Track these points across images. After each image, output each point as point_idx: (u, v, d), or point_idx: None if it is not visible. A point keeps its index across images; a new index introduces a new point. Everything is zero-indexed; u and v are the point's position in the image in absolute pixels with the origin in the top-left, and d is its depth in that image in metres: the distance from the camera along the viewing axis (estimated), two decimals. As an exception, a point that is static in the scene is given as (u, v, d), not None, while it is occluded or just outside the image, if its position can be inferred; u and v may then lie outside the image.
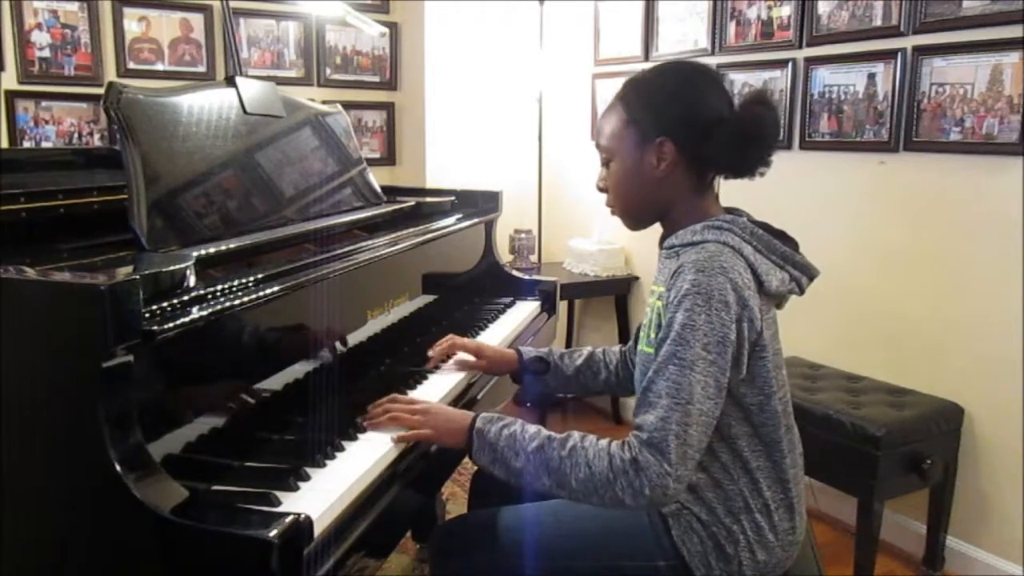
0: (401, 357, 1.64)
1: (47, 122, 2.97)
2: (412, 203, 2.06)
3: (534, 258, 3.56)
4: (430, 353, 1.60)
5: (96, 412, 0.90)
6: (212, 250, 1.27)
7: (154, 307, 0.99)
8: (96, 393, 0.90)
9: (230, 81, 1.60)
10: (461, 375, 1.58)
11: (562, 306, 3.53)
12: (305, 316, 1.33)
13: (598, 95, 3.45)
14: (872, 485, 2.05)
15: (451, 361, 1.63)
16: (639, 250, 3.35)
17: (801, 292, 1.28)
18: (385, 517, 1.14)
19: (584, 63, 3.51)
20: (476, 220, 2.10)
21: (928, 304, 2.31)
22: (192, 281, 1.09)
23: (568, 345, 3.72)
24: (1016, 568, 2.16)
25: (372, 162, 2.54)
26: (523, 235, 3.52)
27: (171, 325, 0.99)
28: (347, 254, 1.46)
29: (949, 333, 2.26)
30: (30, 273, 0.99)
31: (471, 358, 1.62)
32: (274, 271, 1.25)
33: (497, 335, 1.87)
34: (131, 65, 3.09)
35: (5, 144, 2.87)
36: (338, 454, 1.18)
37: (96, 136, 3.05)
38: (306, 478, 1.09)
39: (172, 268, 1.07)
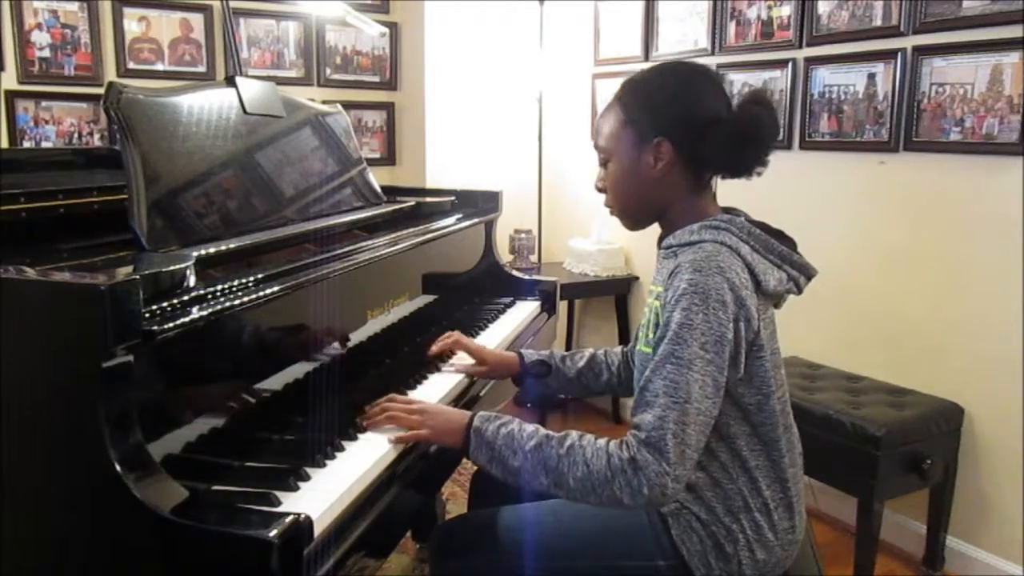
0: (401, 357, 1.64)
1: (47, 122, 2.97)
2: (412, 203, 2.06)
3: (534, 258, 3.56)
4: (433, 349, 1.61)
5: (96, 412, 0.90)
6: (212, 250, 1.27)
7: (154, 307, 0.99)
8: (96, 393, 0.90)
9: (230, 81, 1.60)
10: (462, 374, 1.58)
11: (562, 306, 3.52)
12: (305, 316, 1.33)
13: (598, 95, 3.45)
14: (872, 485, 2.05)
15: (452, 364, 1.63)
16: (639, 250, 3.35)
17: (799, 291, 1.28)
18: (385, 517, 1.14)
19: (584, 63, 3.51)
20: (476, 220, 2.10)
21: (928, 304, 2.31)
22: (192, 281, 1.09)
23: (568, 345, 3.72)
24: (1016, 568, 2.16)
25: (372, 162, 2.54)
26: (523, 235, 3.52)
27: (171, 325, 0.99)
28: (347, 254, 1.46)
29: (949, 333, 2.26)
30: (30, 273, 0.99)
31: (471, 361, 1.62)
32: (274, 271, 1.25)
33: (497, 335, 1.87)
34: (131, 65, 3.09)
35: (5, 144, 2.87)
36: (338, 454, 1.18)
37: (96, 136, 3.05)
38: (306, 478, 1.09)
39: (172, 268, 1.07)
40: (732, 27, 2.81)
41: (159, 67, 3.14)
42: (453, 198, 2.20)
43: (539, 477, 1.17)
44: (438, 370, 1.60)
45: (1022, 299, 2.08)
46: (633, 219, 1.34)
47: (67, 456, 0.93)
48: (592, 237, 3.39)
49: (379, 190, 2.05)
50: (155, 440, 0.98)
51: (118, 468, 0.89)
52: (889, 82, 2.34)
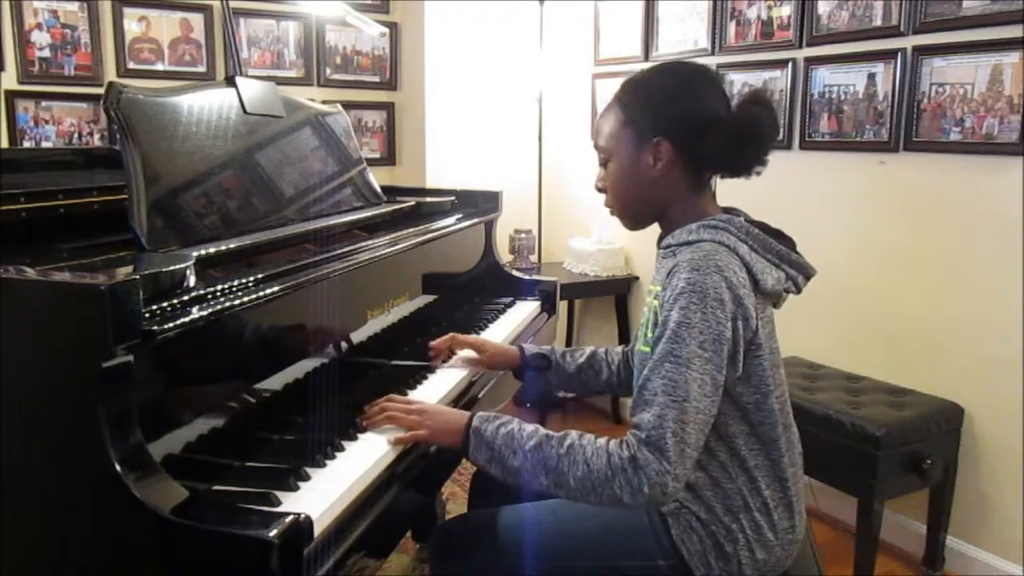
0: (401, 357, 1.64)
1: (47, 122, 2.97)
2: (412, 203, 2.06)
3: (534, 258, 3.56)
4: (432, 344, 1.61)
5: (96, 412, 0.90)
6: (212, 250, 1.27)
7: (154, 307, 0.99)
8: (96, 393, 0.90)
9: (230, 81, 1.60)
10: (462, 374, 1.58)
11: (562, 306, 3.53)
12: (305, 316, 1.33)
13: (598, 95, 3.45)
14: (872, 485, 2.05)
15: (454, 357, 1.64)
16: (639, 250, 3.35)
17: (798, 291, 1.29)
18: (385, 517, 1.14)
19: (584, 63, 3.51)
20: (476, 220, 2.10)
21: (928, 304, 2.31)
22: (192, 281, 1.09)
23: (568, 345, 3.72)
24: (1016, 568, 2.16)
25: (372, 162, 2.54)
26: (523, 235, 3.52)
27: (171, 325, 0.99)
28: (347, 254, 1.46)
29: (949, 333, 2.26)
30: (30, 273, 0.99)
31: (473, 354, 1.62)
32: (274, 271, 1.25)
33: (497, 335, 1.87)
34: (131, 65, 3.09)
35: (5, 144, 2.87)
36: (338, 454, 1.18)
37: (96, 136, 3.05)
38: (306, 478, 1.09)
39: (172, 268, 1.07)
40: (732, 27, 2.81)
41: (159, 67, 3.14)
42: (453, 198, 2.20)
43: (539, 477, 1.17)
44: (442, 366, 1.61)
45: (1022, 299, 2.08)
46: (633, 219, 1.34)
47: (67, 456, 0.93)
48: (593, 237, 3.39)
49: (379, 190, 2.05)
50: (155, 440, 0.98)
51: (118, 468, 0.89)
52: (889, 82, 2.34)
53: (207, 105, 1.50)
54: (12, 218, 1.36)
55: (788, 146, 2.64)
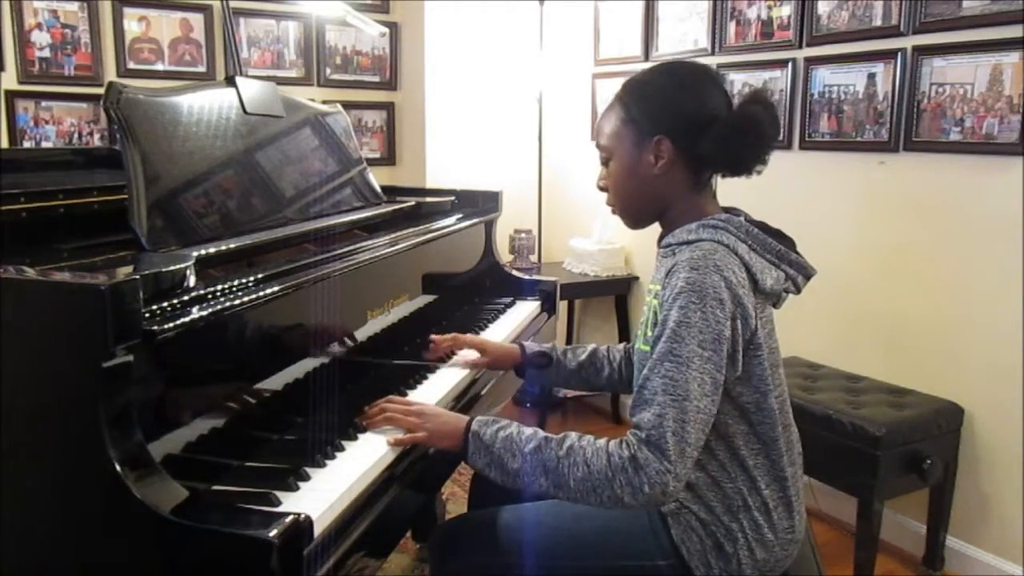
0: (401, 357, 1.64)
1: (47, 122, 2.97)
2: (412, 203, 2.06)
3: (534, 258, 3.56)
4: (433, 337, 1.62)
5: (96, 412, 0.90)
6: (212, 250, 1.27)
7: (154, 307, 0.99)
8: (96, 393, 0.90)
9: (230, 81, 1.60)
10: (462, 373, 1.58)
11: (562, 306, 3.53)
12: (305, 316, 1.33)
13: (598, 95, 3.45)
14: (872, 485, 2.05)
15: (455, 357, 1.64)
16: (639, 250, 3.35)
17: (797, 291, 1.29)
18: (385, 517, 1.14)
19: (584, 63, 3.51)
20: (476, 220, 2.10)
21: (928, 304, 2.31)
22: (192, 281, 1.09)
23: (568, 345, 3.71)
24: (1016, 568, 2.16)
25: (372, 162, 2.54)
26: (523, 235, 3.52)
27: (171, 325, 0.99)
28: (347, 254, 1.46)
29: (949, 333, 2.26)
30: (30, 273, 0.99)
31: (475, 354, 1.63)
32: (274, 271, 1.25)
33: (497, 335, 1.87)
34: (131, 65, 3.09)
35: (5, 144, 2.87)
36: (338, 454, 1.18)
37: (96, 136, 3.05)
38: (306, 478, 1.09)
39: (172, 268, 1.07)
40: (732, 27, 2.81)
41: (159, 67, 3.14)
42: (453, 198, 2.20)
43: (539, 479, 1.16)
44: (443, 365, 1.61)
45: (1022, 299, 2.08)
46: (634, 218, 1.35)
47: (67, 456, 0.93)
48: (593, 237, 3.39)
49: (379, 190, 2.05)
50: (155, 440, 0.98)
51: (118, 468, 0.89)
52: (889, 82, 2.34)
53: (207, 105, 1.50)
54: (12, 218, 1.36)
55: (788, 146, 2.64)
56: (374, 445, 1.22)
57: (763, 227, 1.27)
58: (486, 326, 1.93)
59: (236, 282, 1.16)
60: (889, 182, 2.39)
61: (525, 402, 3.53)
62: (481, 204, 2.21)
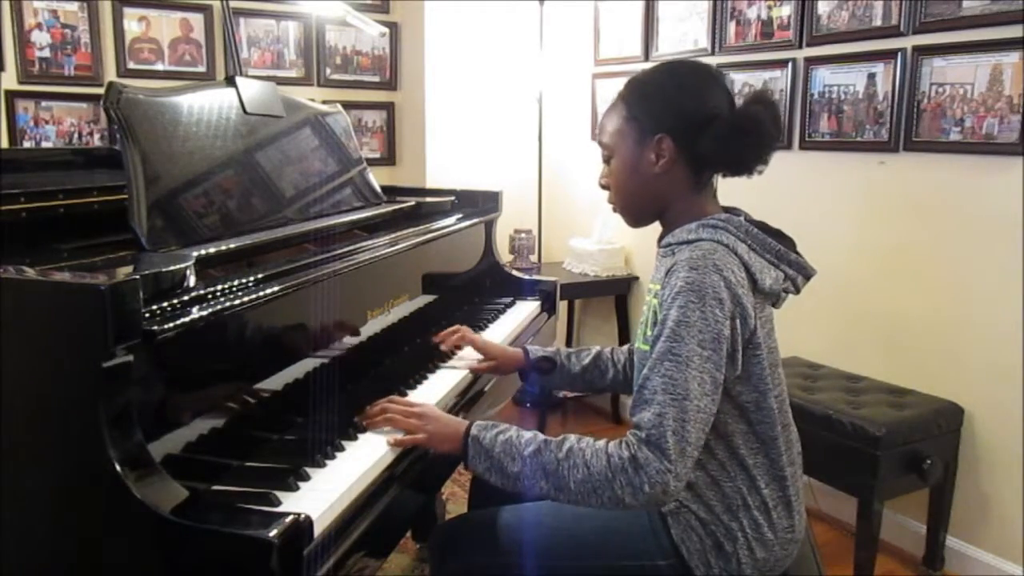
0: (401, 357, 1.64)
1: (47, 122, 2.97)
2: (412, 203, 2.06)
3: (534, 258, 3.56)
4: (435, 340, 1.63)
5: (96, 412, 0.90)
6: (212, 250, 1.27)
7: (154, 307, 0.99)
8: (96, 393, 0.90)
9: (230, 81, 1.60)
10: (462, 373, 1.58)
11: (562, 306, 3.53)
12: (305, 316, 1.33)
13: (598, 95, 3.45)
14: (872, 485, 2.05)
15: (460, 360, 1.64)
16: (639, 250, 3.35)
17: (797, 291, 1.29)
18: (385, 517, 1.14)
19: (584, 63, 3.51)
20: (476, 220, 2.10)
21: (928, 304, 2.31)
22: (192, 281, 1.09)
23: (569, 346, 3.72)
24: (1016, 568, 2.16)
25: (372, 162, 2.54)
26: (523, 235, 3.52)
27: (171, 325, 0.99)
28: (347, 254, 1.46)
29: (949, 333, 2.26)
30: (30, 273, 0.99)
31: (477, 356, 1.63)
32: (274, 271, 1.25)
33: (497, 335, 1.87)
34: (131, 65, 3.09)
35: (5, 144, 2.87)
36: (338, 454, 1.18)
37: (96, 136, 3.05)
38: (306, 478, 1.09)
39: (172, 268, 1.07)
40: (732, 27, 2.81)
41: (159, 67, 3.14)
42: (453, 198, 2.20)
43: (539, 482, 1.16)
44: (444, 365, 1.61)
45: (1022, 299, 2.08)
46: (635, 216, 1.35)
47: (67, 456, 0.93)
48: (593, 237, 3.38)
49: (379, 190, 2.05)
50: (155, 440, 0.98)
51: (118, 468, 0.89)
52: (889, 82, 2.34)
53: (207, 105, 1.50)
54: (12, 218, 1.36)
55: (788, 146, 2.64)
56: (374, 445, 1.22)
57: (763, 227, 1.27)
58: (486, 326, 1.93)
59: (236, 282, 1.16)
60: (889, 182, 2.39)
61: (525, 402, 3.53)
62: (481, 204, 2.21)
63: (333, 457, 1.17)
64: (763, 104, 1.25)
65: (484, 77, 3.55)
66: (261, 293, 1.17)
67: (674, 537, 1.24)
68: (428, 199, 2.19)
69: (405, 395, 1.42)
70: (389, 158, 3.72)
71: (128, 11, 3.06)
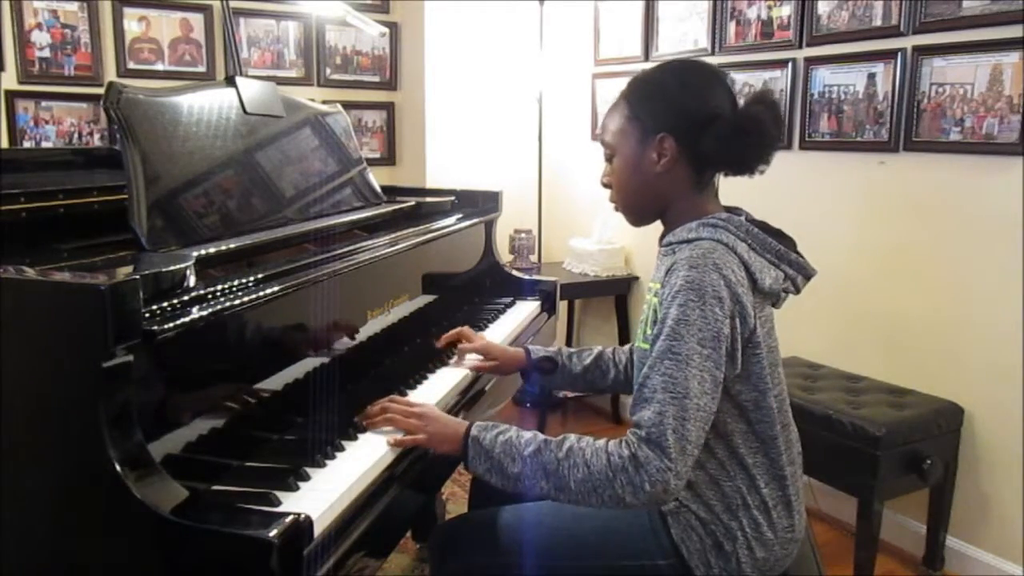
0: (401, 357, 1.64)
1: (47, 122, 2.97)
2: (412, 203, 2.06)
3: (534, 258, 3.56)
4: (439, 346, 1.63)
5: (96, 412, 0.90)
6: (212, 250, 1.27)
7: (154, 307, 0.99)
8: (96, 393, 0.90)
9: (230, 81, 1.60)
10: (463, 373, 1.58)
11: (562, 306, 3.53)
12: (305, 316, 1.33)
13: (598, 95, 3.45)
14: (872, 485, 2.05)
15: (462, 361, 1.63)
16: (639, 250, 3.35)
17: (797, 291, 1.29)
18: (385, 517, 1.14)
19: (584, 63, 3.51)
20: (476, 220, 2.10)
21: (928, 304, 2.31)
22: (192, 281, 1.09)
23: (569, 346, 3.72)
24: (1016, 568, 2.16)
25: (372, 162, 2.54)
26: (523, 235, 3.52)
27: (171, 325, 0.99)
28: (347, 254, 1.46)
29: (949, 333, 2.26)
30: (30, 273, 0.99)
31: (478, 357, 1.63)
32: (274, 271, 1.25)
33: (497, 335, 1.87)
34: (131, 65, 3.09)
35: (5, 144, 2.87)
36: (338, 454, 1.18)
37: (96, 136, 3.05)
38: (306, 478, 1.09)
39: (172, 268, 1.07)
40: (732, 27, 2.81)
41: (159, 67, 3.14)
42: (453, 198, 2.20)
43: (539, 482, 1.16)
44: (445, 364, 1.61)
45: (1022, 299, 2.08)
46: (636, 215, 1.35)
47: (67, 456, 0.93)
48: (593, 237, 3.38)
49: (379, 190, 2.05)
50: (155, 440, 0.98)
51: (118, 468, 0.89)
52: (889, 82, 2.34)
53: (207, 105, 1.50)
54: (12, 218, 1.36)
55: (788, 146, 2.63)
56: (374, 445, 1.22)
57: (764, 227, 1.28)
58: (486, 326, 1.93)
59: (236, 282, 1.16)
60: (889, 182, 2.39)
61: (525, 402, 3.53)
62: (481, 204, 2.21)
63: (333, 457, 1.16)
64: (765, 104, 1.25)
65: (484, 77, 3.55)
66: (261, 293, 1.17)
67: (674, 537, 1.24)
68: (428, 199, 2.19)
69: (405, 395, 1.42)
70: (389, 158, 3.72)
71: (128, 11, 3.06)
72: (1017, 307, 2.09)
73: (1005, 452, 2.17)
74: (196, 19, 3.18)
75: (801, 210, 2.56)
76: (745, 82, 2.77)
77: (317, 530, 0.96)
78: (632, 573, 1.26)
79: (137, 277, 0.93)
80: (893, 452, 2.05)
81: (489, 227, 2.23)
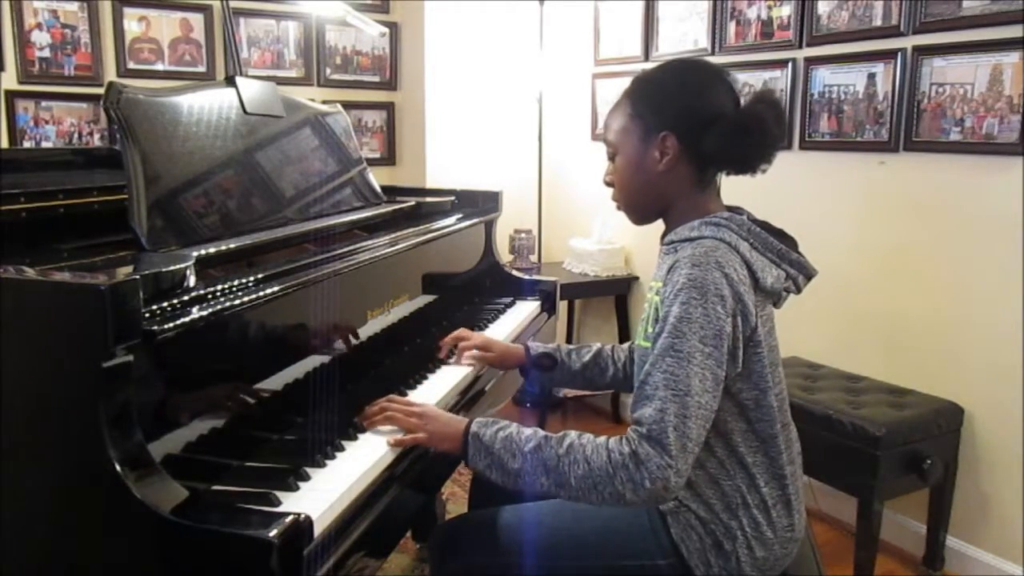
0: (401, 357, 1.64)
1: (47, 122, 2.97)
2: (412, 203, 2.06)
3: (534, 258, 3.56)
4: (440, 356, 1.63)
5: (96, 412, 0.90)
6: (212, 250, 1.27)
7: (154, 307, 0.99)
8: (96, 393, 0.90)
9: (230, 81, 1.61)
10: (463, 372, 1.58)
11: (562, 306, 3.53)
12: (305, 316, 1.33)
13: (598, 95, 3.45)
14: (872, 485, 2.05)
15: (463, 357, 1.63)
16: (639, 250, 3.35)
17: (798, 291, 1.29)
18: (385, 517, 1.14)
19: (584, 63, 3.51)
20: (476, 220, 2.10)
21: (928, 304, 2.31)
22: (192, 281, 1.09)
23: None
24: (1016, 568, 2.16)
25: (372, 162, 2.54)
26: (523, 235, 3.52)
27: (171, 325, 0.99)
28: (347, 254, 1.46)
29: (949, 333, 2.26)
30: (30, 273, 0.99)
31: (480, 353, 1.63)
32: (274, 271, 1.25)
33: (497, 335, 1.86)
34: (131, 65, 3.09)
35: (5, 144, 2.87)
36: (338, 454, 1.18)
37: (96, 136, 3.05)
38: (306, 478, 1.09)
39: (172, 268, 1.07)
40: (732, 27, 2.81)
41: (159, 67, 3.14)
42: (453, 198, 2.20)
43: (539, 478, 1.16)
44: (445, 363, 1.62)
45: (1022, 299, 2.08)
46: (638, 214, 1.35)
47: (67, 456, 0.93)
48: (593, 237, 3.38)
49: (379, 190, 2.05)
50: (155, 440, 0.98)
51: (118, 468, 0.89)
52: (889, 82, 2.34)
53: (207, 105, 1.50)
54: (12, 218, 1.36)
55: (788, 146, 2.63)
56: (374, 445, 1.22)
57: (766, 226, 1.28)
58: (486, 326, 1.93)
59: (236, 282, 1.16)
60: (889, 182, 2.39)
61: (525, 402, 3.53)
62: (481, 204, 2.21)
63: (333, 457, 1.16)
64: (767, 103, 1.25)
65: (484, 77, 3.55)
66: (261, 293, 1.17)
67: (674, 536, 1.24)
68: (428, 199, 2.19)
69: (405, 395, 1.42)
70: (389, 158, 3.72)
71: (128, 11, 3.06)
72: (1017, 307, 2.09)
73: (1005, 452, 2.17)
74: (196, 19, 3.18)
75: (801, 210, 2.56)
76: (745, 82, 2.77)
77: (317, 530, 0.96)
78: (632, 573, 1.27)
79: (137, 277, 0.93)
80: (893, 452, 2.05)
81: (489, 227, 2.23)
